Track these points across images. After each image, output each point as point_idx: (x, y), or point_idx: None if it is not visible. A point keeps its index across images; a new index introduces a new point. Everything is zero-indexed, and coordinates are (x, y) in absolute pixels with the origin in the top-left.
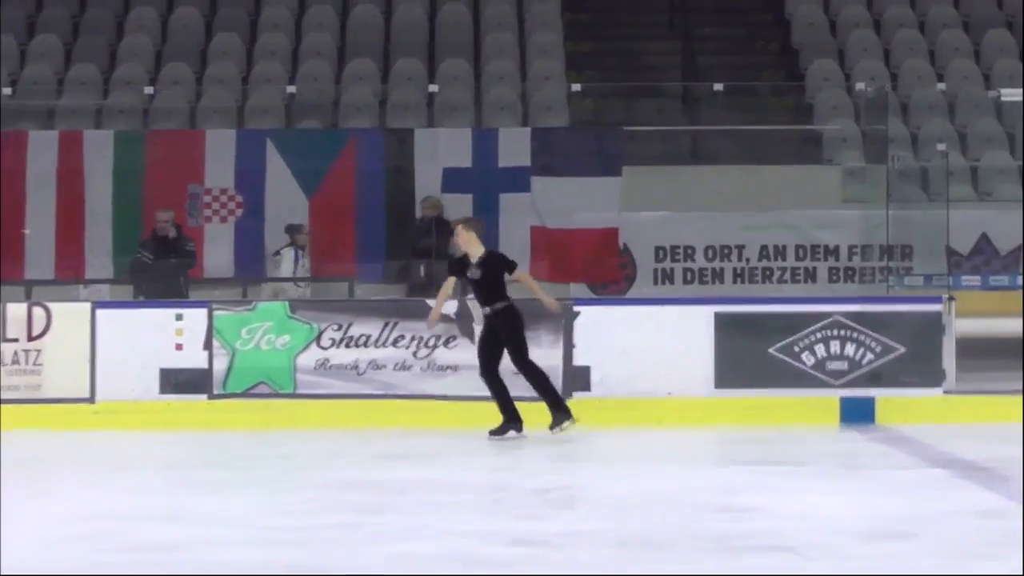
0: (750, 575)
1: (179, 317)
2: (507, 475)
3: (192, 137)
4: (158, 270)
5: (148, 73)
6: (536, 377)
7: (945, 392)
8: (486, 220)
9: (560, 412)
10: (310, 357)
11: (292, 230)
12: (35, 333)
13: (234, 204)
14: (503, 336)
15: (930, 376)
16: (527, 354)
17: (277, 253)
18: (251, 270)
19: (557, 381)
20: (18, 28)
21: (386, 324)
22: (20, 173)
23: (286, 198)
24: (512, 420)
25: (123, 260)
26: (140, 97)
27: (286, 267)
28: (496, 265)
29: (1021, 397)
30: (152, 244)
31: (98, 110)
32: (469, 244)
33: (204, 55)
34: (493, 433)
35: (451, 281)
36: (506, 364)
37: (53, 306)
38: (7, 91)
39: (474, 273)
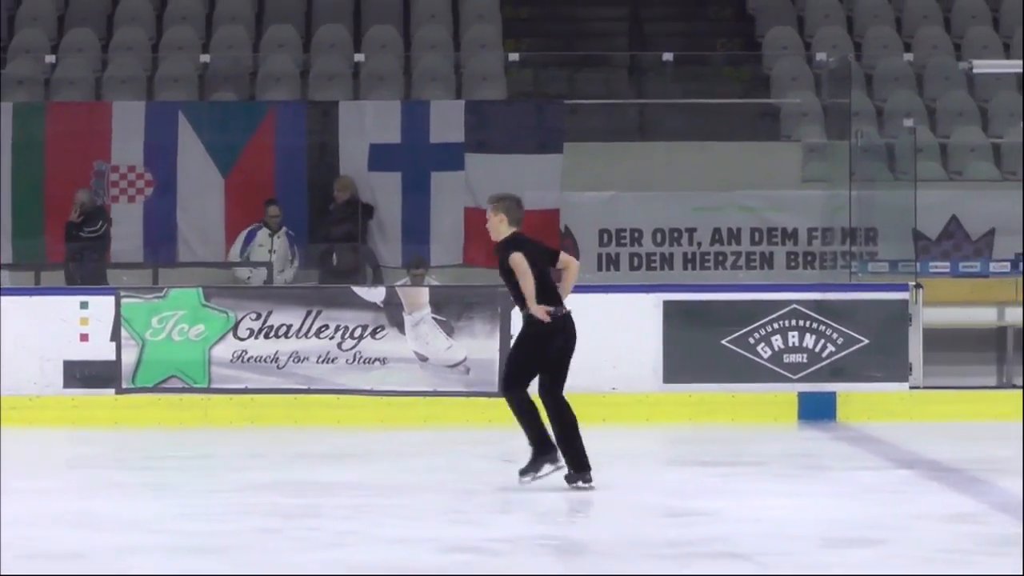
0: None
1: (84, 305)
2: (441, 477)
3: (97, 109)
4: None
5: (49, 40)
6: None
7: (912, 387)
8: (416, 201)
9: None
10: (226, 348)
11: (266, 203)
12: None
13: (143, 182)
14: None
15: (895, 370)
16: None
17: (251, 233)
18: (162, 253)
19: (493, 375)
20: None
21: (308, 313)
22: None
23: (199, 176)
24: (546, 450)
25: (23, 243)
26: (40, 66)
27: (259, 250)
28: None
29: (991, 393)
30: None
31: None
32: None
33: (110, 20)
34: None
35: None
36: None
37: None
38: None
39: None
